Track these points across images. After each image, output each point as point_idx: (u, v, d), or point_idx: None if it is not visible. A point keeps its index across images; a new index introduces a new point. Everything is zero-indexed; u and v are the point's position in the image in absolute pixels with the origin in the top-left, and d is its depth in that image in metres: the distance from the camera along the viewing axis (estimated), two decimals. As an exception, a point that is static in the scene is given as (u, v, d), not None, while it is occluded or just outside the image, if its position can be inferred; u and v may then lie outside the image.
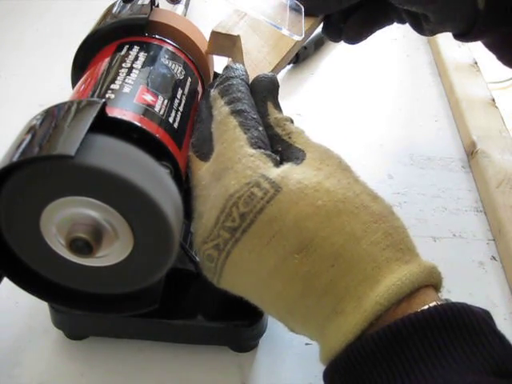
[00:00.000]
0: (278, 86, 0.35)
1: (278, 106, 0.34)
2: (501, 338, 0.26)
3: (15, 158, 0.25)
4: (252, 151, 0.30)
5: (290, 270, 0.28)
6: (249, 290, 0.31)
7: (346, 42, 0.47)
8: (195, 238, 0.31)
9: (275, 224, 0.28)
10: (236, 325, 0.37)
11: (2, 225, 0.28)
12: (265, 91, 0.34)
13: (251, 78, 0.39)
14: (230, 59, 0.42)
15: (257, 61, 0.41)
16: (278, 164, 0.31)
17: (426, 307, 0.26)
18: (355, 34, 0.47)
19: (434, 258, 0.45)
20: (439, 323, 0.26)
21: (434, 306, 0.26)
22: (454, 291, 0.43)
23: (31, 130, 0.27)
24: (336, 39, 0.48)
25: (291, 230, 0.28)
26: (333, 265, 0.28)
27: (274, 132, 0.33)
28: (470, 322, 0.26)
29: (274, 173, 0.29)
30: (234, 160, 0.30)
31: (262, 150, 0.31)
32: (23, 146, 0.25)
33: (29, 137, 0.26)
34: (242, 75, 0.35)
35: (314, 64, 0.67)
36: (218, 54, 0.42)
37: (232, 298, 0.37)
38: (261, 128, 0.32)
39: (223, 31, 0.42)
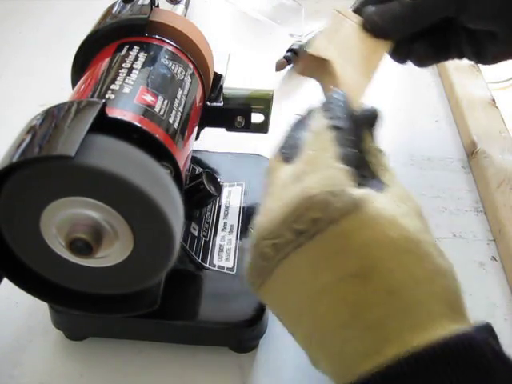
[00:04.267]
0: (379, 118, 0.34)
1: (373, 137, 0.33)
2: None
3: (15, 159, 0.25)
4: (340, 165, 0.29)
5: (342, 293, 0.27)
6: (287, 306, 0.29)
7: (414, 63, 0.48)
8: (254, 232, 0.30)
9: (343, 240, 0.27)
10: (236, 325, 0.37)
11: (2, 225, 0.28)
12: (365, 119, 0.33)
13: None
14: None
15: (353, 87, 0.42)
16: (360, 186, 0.29)
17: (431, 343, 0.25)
18: (425, 55, 0.48)
19: (434, 258, 0.46)
20: (445, 360, 0.24)
21: (438, 341, 0.25)
22: (454, 291, 0.43)
23: (31, 130, 0.27)
24: (402, 61, 0.49)
25: (357, 252, 0.27)
26: (387, 301, 0.26)
27: (365, 158, 0.31)
28: (478, 361, 0.24)
29: (357, 191, 0.28)
30: (320, 167, 0.29)
31: (349, 168, 0.29)
32: (23, 146, 0.25)
33: (29, 137, 0.26)
34: (345, 101, 0.34)
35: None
36: (308, 76, 0.44)
37: (232, 298, 0.37)
38: (354, 150, 0.31)
39: (316, 54, 0.42)
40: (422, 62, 0.49)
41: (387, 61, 0.69)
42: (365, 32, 0.46)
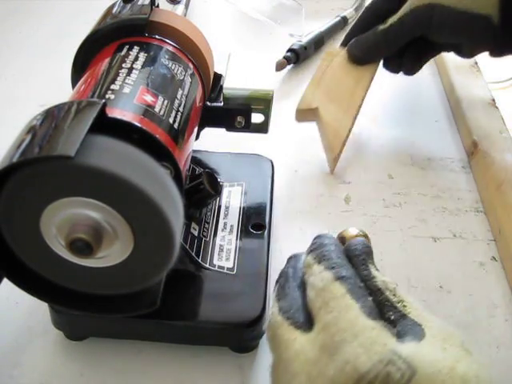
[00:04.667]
0: (372, 251, 0.33)
1: (378, 270, 0.31)
2: None
3: (15, 159, 0.25)
4: (371, 322, 0.27)
5: None
6: None
7: (405, 73, 0.55)
8: None
9: None
10: (236, 325, 0.37)
11: (2, 225, 0.28)
12: (363, 254, 0.32)
13: (335, 146, 0.50)
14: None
15: (336, 128, 0.51)
16: (397, 337, 0.27)
17: None
18: (412, 66, 0.54)
19: (434, 258, 0.46)
20: None
21: None
22: (454, 292, 0.43)
23: (31, 130, 0.27)
24: (396, 72, 0.55)
25: None
26: None
27: (385, 297, 0.29)
28: None
29: (405, 349, 0.26)
30: (354, 332, 0.27)
31: (381, 322, 0.28)
32: (23, 146, 0.25)
33: (29, 137, 0.26)
34: (336, 243, 0.33)
35: (314, 64, 0.67)
36: (306, 121, 0.53)
37: (232, 298, 0.37)
38: (370, 298, 0.29)
39: (305, 107, 0.52)
40: (411, 72, 0.55)
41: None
42: (350, 64, 0.54)
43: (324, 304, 0.29)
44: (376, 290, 0.30)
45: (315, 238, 0.33)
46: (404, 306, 0.29)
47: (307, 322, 0.29)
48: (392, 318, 0.29)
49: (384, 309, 0.29)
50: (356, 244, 0.33)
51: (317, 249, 0.32)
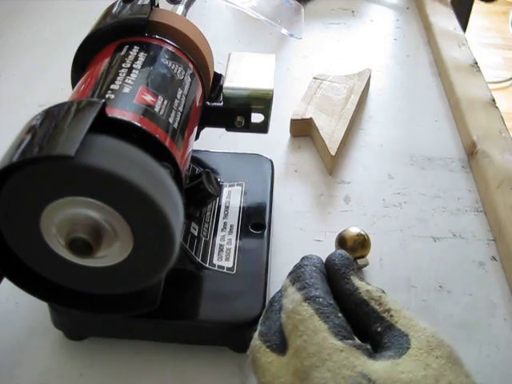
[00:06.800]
0: (353, 260, 0.33)
1: (362, 279, 0.31)
2: None
3: (15, 159, 0.25)
4: (340, 344, 0.27)
5: None
6: None
7: None
8: None
9: None
10: (236, 325, 0.37)
11: (2, 225, 0.28)
12: (343, 267, 0.32)
13: (332, 147, 0.51)
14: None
15: (330, 132, 0.53)
16: (370, 354, 0.27)
17: None
18: None
19: (434, 258, 0.46)
20: None
21: None
22: (454, 291, 0.43)
23: (31, 130, 0.27)
24: None
25: None
26: None
27: (371, 308, 0.29)
28: None
29: (377, 371, 0.26)
30: (323, 357, 0.27)
31: (350, 341, 0.27)
32: (23, 146, 0.25)
33: (29, 137, 0.26)
34: (317, 263, 0.32)
35: (314, 65, 0.67)
36: (299, 136, 0.56)
37: (231, 298, 0.37)
38: (340, 314, 0.29)
39: (299, 117, 0.56)
40: None
41: (387, 61, 0.70)
42: (339, 85, 0.59)
43: (294, 327, 0.29)
44: (361, 302, 0.30)
45: (300, 260, 0.33)
46: (391, 315, 0.29)
47: (282, 345, 0.29)
48: (379, 329, 0.29)
49: (370, 321, 0.29)
50: (334, 258, 0.32)
51: (295, 270, 0.32)
